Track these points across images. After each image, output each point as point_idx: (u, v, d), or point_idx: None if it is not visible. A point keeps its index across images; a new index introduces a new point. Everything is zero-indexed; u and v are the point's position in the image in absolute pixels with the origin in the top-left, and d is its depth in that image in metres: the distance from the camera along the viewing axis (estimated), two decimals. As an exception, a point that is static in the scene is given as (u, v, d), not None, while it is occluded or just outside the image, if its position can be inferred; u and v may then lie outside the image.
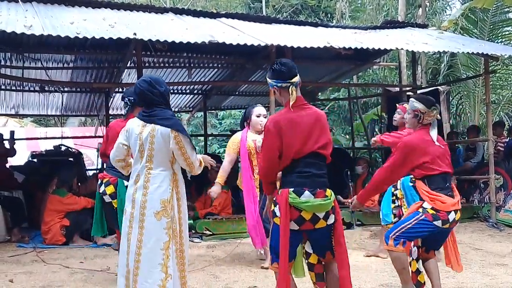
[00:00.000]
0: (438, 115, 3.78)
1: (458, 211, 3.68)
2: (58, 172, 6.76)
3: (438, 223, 3.62)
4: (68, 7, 7.01)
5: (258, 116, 5.23)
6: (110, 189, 4.39)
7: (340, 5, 15.18)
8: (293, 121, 3.18)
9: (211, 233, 6.65)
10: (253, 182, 5.14)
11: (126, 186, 4.11)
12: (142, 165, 3.33)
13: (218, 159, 8.06)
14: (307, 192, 3.11)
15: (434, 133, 3.74)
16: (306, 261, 3.47)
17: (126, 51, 7.23)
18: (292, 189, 3.11)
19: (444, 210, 3.60)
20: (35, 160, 9.12)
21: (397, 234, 3.64)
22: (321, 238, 3.27)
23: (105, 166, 4.90)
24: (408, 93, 8.54)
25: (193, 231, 6.50)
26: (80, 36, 5.49)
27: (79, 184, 7.08)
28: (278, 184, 3.32)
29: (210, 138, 13.82)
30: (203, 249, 5.98)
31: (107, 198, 4.46)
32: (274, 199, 3.25)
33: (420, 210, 3.67)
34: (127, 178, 4.13)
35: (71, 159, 8.93)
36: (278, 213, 3.15)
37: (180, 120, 16.01)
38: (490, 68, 8.54)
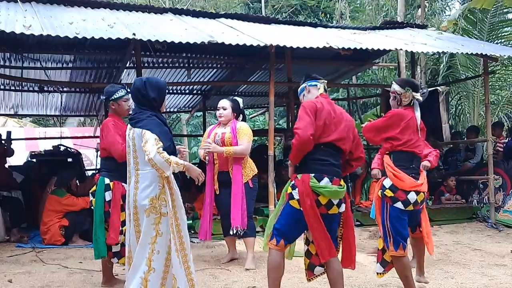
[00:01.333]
0: (419, 97, 3.91)
1: (421, 193, 3.81)
2: (57, 173, 6.75)
3: (399, 205, 3.74)
4: (67, 7, 7.01)
5: (218, 109, 5.34)
6: (93, 188, 4.42)
7: (340, 6, 15.18)
8: (322, 107, 3.48)
9: (210, 233, 6.64)
10: (211, 175, 5.16)
11: (107, 185, 4.20)
12: (132, 166, 3.52)
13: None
14: (326, 179, 3.40)
15: (417, 114, 3.90)
16: (307, 247, 3.64)
17: (125, 52, 7.22)
18: (313, 175, 3.38)
19: (401, 189, 3.71)
20: (34, 160, 9.10)
21: (391, 238, 3.73)
22: (330, 225, 3.44)
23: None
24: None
25: (192, 231, 6.48)
26: (79, 36, 5.50)
27: (78, 184, 7.06)
28: (290, 170, 3.56)
29: (209, 138, 13.79)
30: (203, 249, 5.98)
31: (90, 197, 4.49)
32: (293, 183, 3.46)
33: (379, 193, 3.80)
34: (111, 176, 4.17)
35: (70, 159, 8.92)
36: (296, 196, 3.40)
37: (179, 121, 16.02)
38: (489, 69, 8.54)
